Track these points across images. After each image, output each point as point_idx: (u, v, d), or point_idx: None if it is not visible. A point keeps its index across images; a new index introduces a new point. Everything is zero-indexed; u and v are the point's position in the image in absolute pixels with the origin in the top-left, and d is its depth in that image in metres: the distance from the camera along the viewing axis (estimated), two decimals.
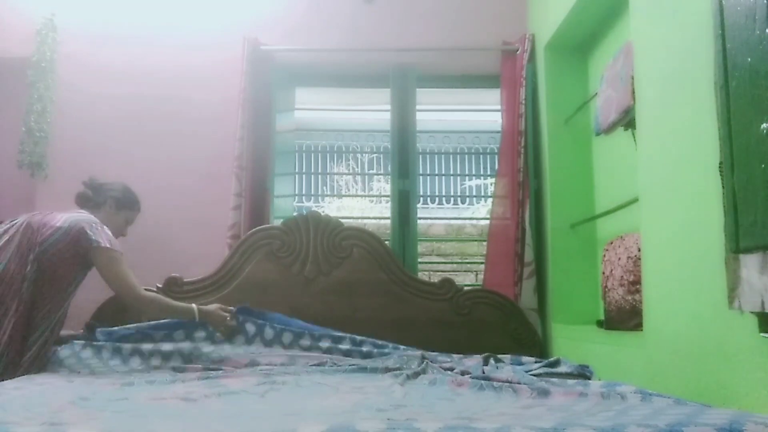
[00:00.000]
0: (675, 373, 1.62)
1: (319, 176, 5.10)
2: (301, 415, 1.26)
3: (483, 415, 1.22)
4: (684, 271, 1.59)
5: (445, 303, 2.70)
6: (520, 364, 2.29)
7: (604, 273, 2.25)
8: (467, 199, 5.00)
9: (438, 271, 4.15)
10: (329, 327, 2.59)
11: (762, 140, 1.12)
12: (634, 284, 1.99)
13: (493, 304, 2.71)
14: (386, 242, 2.82)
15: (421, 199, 3.97)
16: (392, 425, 1.02)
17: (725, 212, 1.30)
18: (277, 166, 3.03)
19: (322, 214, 2.81)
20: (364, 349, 2.41)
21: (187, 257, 2.83)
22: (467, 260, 4.33)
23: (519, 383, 1.67)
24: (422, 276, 3.24)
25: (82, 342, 2.23)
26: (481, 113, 3.60)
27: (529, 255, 2.76)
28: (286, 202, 3.11)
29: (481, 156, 4.92)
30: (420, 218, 3.14)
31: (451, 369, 2.10)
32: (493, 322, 2.68)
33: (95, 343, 2.25)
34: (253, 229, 2.74)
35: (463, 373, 1.98)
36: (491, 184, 3.47)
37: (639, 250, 1.94)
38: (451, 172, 5.13)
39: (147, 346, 2.27)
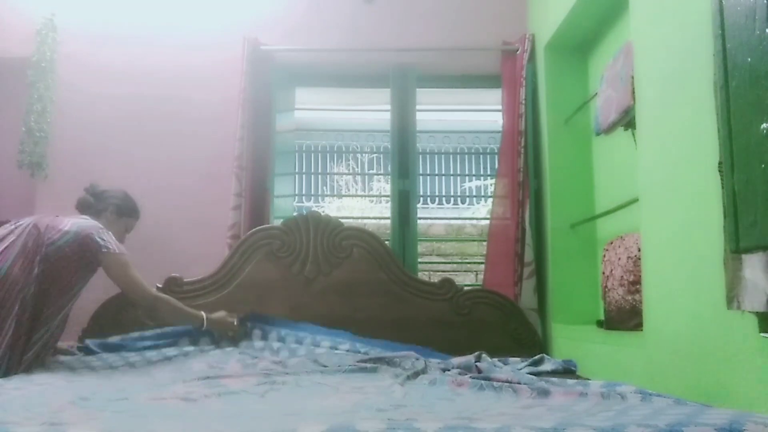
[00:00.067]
0: (675, 373, 1.62)
1: (319, 176, 5.10)
2: (301, 415, 1.26)
3: (483, 415, 1.22)
4: (684, 271, 1.59)
5: (445, 303, 2.70)
6: (506, 364, 2.28)
7: (604, 273, 2.25)
8: (467, 199, 5.00)
9: (438, 271, 4.15)
10: (329, 327, 2.59)
11: (762, 140, 1.12)
12: (634, 284, 1.99)
13: (493, 304, 2.71)
14: (386, 242, 2.82)
15: (421, 199, 3.97)
16: (392, 425, 1.01)
17: (725, 212, 1.29)
18: (277, 166, 3.03)
19: (322, 214, 2.81)
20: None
21: (187, 257, 2.83)
22: (467, 260, 4.33)
23: (519, 383, 1.67)
24: (422, 276, 3.24)
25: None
26: (481, 113, 3.60)
27: (529, 255, 2.76)
28: (286, 202, 3.11)
29: (481, 156, 4.92)
30: (420, 218, 3.15)
31: (445, 370, 2.10)
32: (493, 322, 2.68)
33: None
34: (253, 229, 2.74)
35: (460, 373, 1.98)
36: (491, 185, 3.47)
37: (639, 250, 1.94)
38: (451, 172, 5.13)
39: (150, 353, 2.28)
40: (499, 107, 3.01)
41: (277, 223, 2.86)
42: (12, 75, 3.06)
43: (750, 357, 1.33)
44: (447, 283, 2.73)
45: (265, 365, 2.12)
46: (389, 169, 3.14)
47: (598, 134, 2.51)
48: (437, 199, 4.92)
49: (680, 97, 1.63)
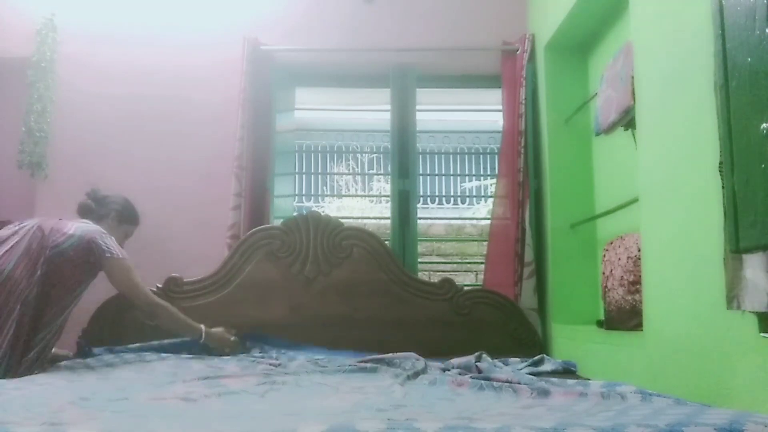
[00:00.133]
0: (675, 373, 1.62)
1: (319, 176, 5.10)
2: (301, 415, 1.26)
3: (483, 415, 1.22)
4: (684, 271, 1.59)
5: (445, 303, 2.70)
6: (507, 365, 2.28)
7: (604, 273, 2.25)
8: (467, 199, 5.00)
9: (438, 271, 4.15)
10: (329, 327, 2.60)
11: (762, 140, 1.12)
12: (634, 284, 1.99)
13: (493, 304, 2.71)
14: (386, 242, 2.82)
15: (421, 199, 3.97)
16: (392, 425, 1.01)
17: (725, 212, 1.29)
18: (277, 166, 3.03)
19: (322, 214, 2.81)
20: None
21: (187, 257, 2.83)
22: (467, 260, 4.33)
23: (519, 383, 1.67)
24: (422, 276, 3.24)
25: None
26: (481, 113, 3.60)
27: (529, 255, 2.76)
28: (286, 202, 3.11)
29: (481, 156, 4.92)
30: (420, 218, 3.14)
31: (445, 370, 2.10)
32: (493, 322, 2.68)
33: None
34: (253, 229, 2.74)
35: (460, 373, 1.98)
36: (491, 185, 3.47)
37: (639, 250, 1.94)
38: (451, 172, 5.13)
39: (150, 356, 2.28)
40: (499, 107, 3.01)
41: (277, 223, 2.86)
42: (12, 75, 3.06)
43: (750, 357, 1.33)
44: (447, 283, 2.73)
45: (264, 367, 2.12)
46: (389, 169, 3.14)
47: (598, 134, 2.50)
48: (437, 199, 4.91)
49: (680, 97, 1.63)
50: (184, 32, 3.07)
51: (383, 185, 4.91)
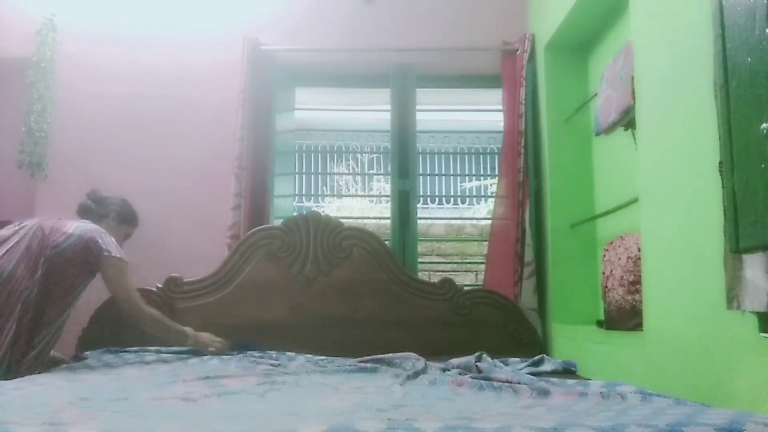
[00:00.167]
0: (675, 373, 1.62)
1: (319, 176, 5.10)
2: (301, 415, 1.26)
3: (483, 415, 1.22)
4: (684, 271, 1.59)
5: (445, 303, 2.70)
6: (507, 365, 2.28)
7: (604, 273, 2.25)
8: (467, 199, 5.00)
9: (438, 271, 4.14)
10: (329, 327, 2.59)
11: (762, 140, 1.12)
12: (634, 284, 1.99)
13: (493, 304, 2.71)
14: (386, 242, 2.82)
15: (421, 199, 3.97)
16: (392, 425, 1.02)
17: (725, 212, 1.29)
18: (277, 166, 3.03)
19: (322, 214, 2.81)
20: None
21: (187, 257, 2.83)
22: (467, 260, 4.33)
23: (519, 383, 1.67)
24: (422, 276, 3.24)
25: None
26: (482, 113, 3.60)
27: (529, 255, 2.76)
28: (286, 202, 3.11)
29: (481, 156, 4.92)
30: (420, 218, 3.14)
31: (445, 370, 2.09)
32: (493, 322, 2.68)
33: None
34: (253, 229, 2.74)
35: (460, 373, 1.98)
36: (491, 185, 3.47)
37: (639, 250, 1.94)
38: (451, 172, 5.13)
39: (151, 356, 2.28)
40: (499, 107, 3.01)
41: (277, 223, 2.86)
42: (12, 75, 3.06)
43: (750, 357, 1.33)
44: (447, 283, 2.73)
45: (264, 367, 2.12)
46: (389, 169, 3.14)
47: (598, 134, 2.50)
48: (437, 199, 4.91)
49: (680, 97, 1.63)
50: (184, 32, 3.07)
51: (383, 185, 4.91)
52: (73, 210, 2.37)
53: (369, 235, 2.78)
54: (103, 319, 2.54)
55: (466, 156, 5.14)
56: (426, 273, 3.86)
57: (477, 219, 4.62)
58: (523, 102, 2.86)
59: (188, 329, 2.34)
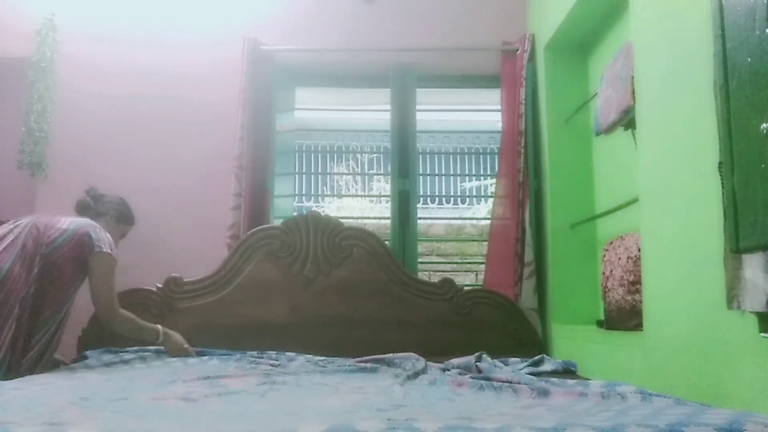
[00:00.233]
0: (675, 373, 1.62)
1: (319, 176, 5.10)
2: (301, 415, 1.26)
3: (483, 415, 1.22)
4: (684, 271, 1.59)
5: (445, 303, 2.70)
6: (507, 365, 2.28)
7: (604, 273, 2.25)
8: (467, 199, 5.00)
9: (438, 271, 4.15)
10: (329, 327, 2.59)
11: (762, 140, 1.12)
12: (634, 284, 1.99)
13: (493, 304, 2.71)
14: (386, 242, 2.82)
15: (421, 199, 3.97)
16: (392, 425, 1.02)
17: (725, 212, 1.29)
18: (277, 166, 3.03)
19: (322, 214, 2.81)
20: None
21: (187, 257, 2.83)
22: (467, 260, 4.33)
23: (519, 383, 1.67)
24: (422, 276, 3.24)
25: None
26: (481, 113, 3.60)
27: (529, 255, 2.76)
28: (286, 202, 3.11)
29: (481, 156, 4.92)
30: (420, 218, 3.14)
31: (445, 370, 2.09)
32: (493, 322, 2.68)
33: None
34: (253, 229, 2.74)
35: (460, 373, 1.98)
36: (491, 185, 3.47)
37: (639, 250, 1.94)
38: (451, 172, 5.13)
39: (150, 356, 2.28)
40: (499, 107, 3.01)
41: (277, 223, 2.86)
42: (12, 75, 3.06)
43: (750, 357, 1.33)
44: (447, 283, 2.73)
45: (264, 367, 2.12)
46: (389, 169, 3.14)
47: (598, 134, 2.50)
48: (437, 199, 4.92)
49: (680, 97, 1.63)
50: (184, 32, 3.07)
51: (383, 185, 4.92)
52: (73, 210, 2.37)
53: (369, 235, 2.78)
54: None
55: (466, 156, 5.14)
56: (426, 273, 3.86)
57: (477, 219, 4.62)
58: (523, 102, 2.86)
59: (159, 327, 2.31)
